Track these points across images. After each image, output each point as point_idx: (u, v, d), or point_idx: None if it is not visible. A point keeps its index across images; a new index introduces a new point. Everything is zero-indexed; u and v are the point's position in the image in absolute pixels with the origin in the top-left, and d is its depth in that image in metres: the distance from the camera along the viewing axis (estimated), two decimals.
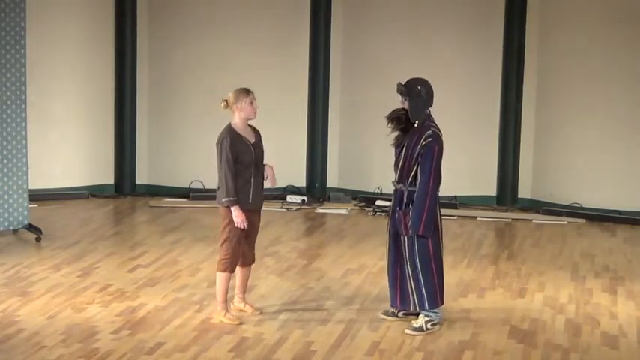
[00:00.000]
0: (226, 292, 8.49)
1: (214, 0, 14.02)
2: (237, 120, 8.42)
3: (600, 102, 13.07)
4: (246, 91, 8.41)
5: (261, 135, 8.60)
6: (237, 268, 8.58)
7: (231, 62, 13.93)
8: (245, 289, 8.75)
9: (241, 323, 8.41)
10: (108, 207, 13.45)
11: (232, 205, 8.27)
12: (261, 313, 8.67)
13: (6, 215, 11.19)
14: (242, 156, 8.33)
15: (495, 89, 13.64)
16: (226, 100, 8.40)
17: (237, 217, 8.28)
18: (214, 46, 13.95)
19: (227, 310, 8.51)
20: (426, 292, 8.36)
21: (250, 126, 8.51)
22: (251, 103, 8.38)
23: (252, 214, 8.48)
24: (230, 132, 8.35)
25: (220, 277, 8.46)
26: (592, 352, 7.98)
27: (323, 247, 11.44)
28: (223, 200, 8.30)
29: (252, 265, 8.77)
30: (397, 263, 8.47)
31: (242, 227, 8.30)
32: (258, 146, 8.46)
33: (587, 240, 11.97)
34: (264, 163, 8.56)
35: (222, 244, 8.43)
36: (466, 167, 13.60)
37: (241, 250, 8.48)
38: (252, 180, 8.38)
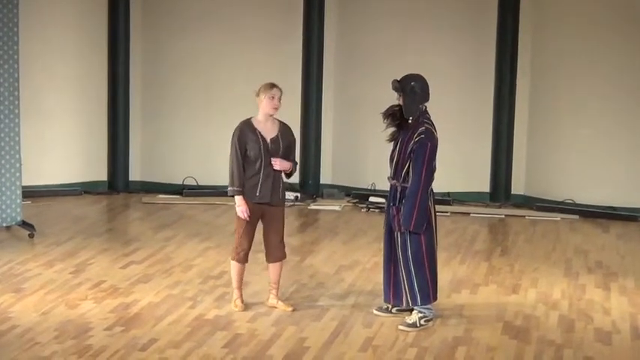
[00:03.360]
0: (237, 280, 8.65)
1: None
2: (259, 113, 8.50)
3: (593, 99, 13.08)
4: (269, 86, 8.46)
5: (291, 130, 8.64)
6: (269, 266, 8.72)
7: (224, 59, 13.93)
8: (276, 285, 8.78)
9: (244, 310, 8.53)
10: (101, 203, 13.44)
11: (234, 195, 8.43)
12: (294, 310, 8.69)
13: None
14: (250, 149, 8.39)
15: (489, 86, 13.65)
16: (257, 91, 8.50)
17: (238, 206, 8.44)
18: (207, 43, 13.94)
19: (238, 297, 8.64)
20: (419, 289, 8.36)
21: (279, 121, 8.55)
22: (271, 98, 8.41)
23: (269, 209, 8.54)
24: (243, 125, 8.46)
25: (231, 265, 8.69)
26: (585, 347, 7.99)
27: (316, 243, 11.44)
28: (228, 189, 8.45)
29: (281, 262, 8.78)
30: (391, 259, 8.48)
31: (243, 217, 8.40)
32: (275, 141, 8.47)
33: (580, 236, 11.99)
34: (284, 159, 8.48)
35: (234, 233, 8.61)
36: (459, 163, 13.60)
37: (249, 242, 8.57)
38: (260, 174, 8.42)
